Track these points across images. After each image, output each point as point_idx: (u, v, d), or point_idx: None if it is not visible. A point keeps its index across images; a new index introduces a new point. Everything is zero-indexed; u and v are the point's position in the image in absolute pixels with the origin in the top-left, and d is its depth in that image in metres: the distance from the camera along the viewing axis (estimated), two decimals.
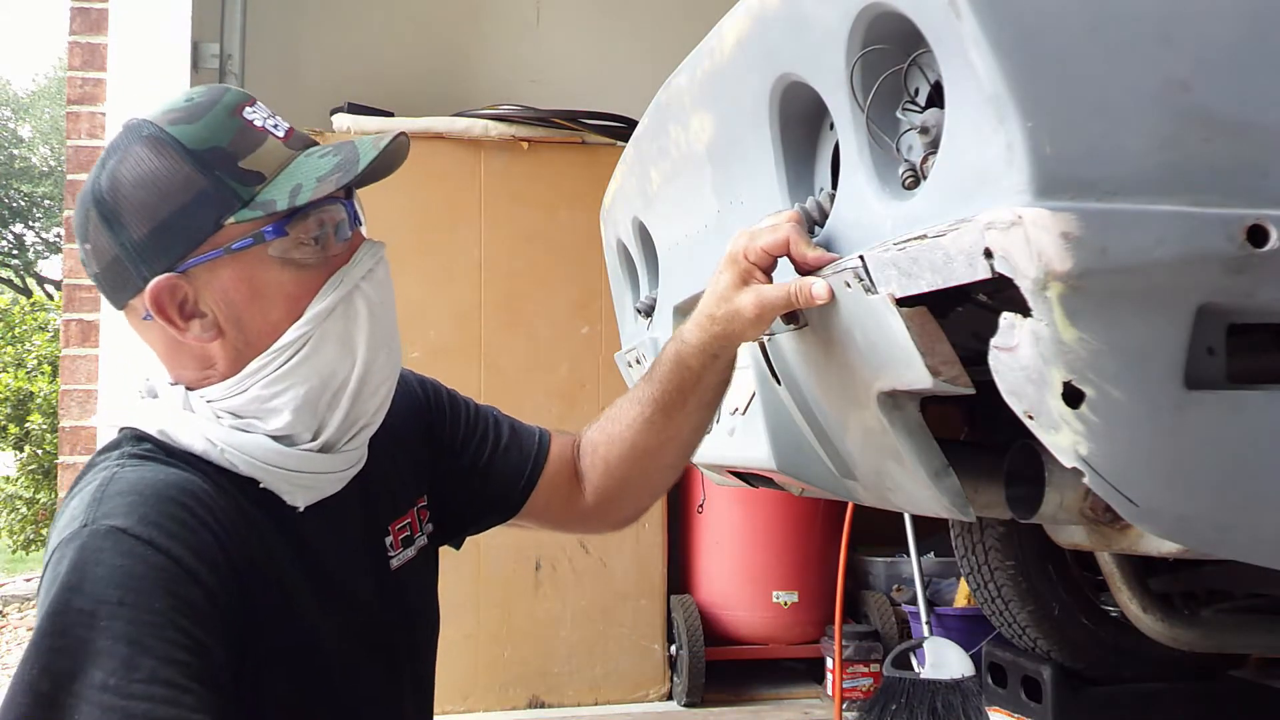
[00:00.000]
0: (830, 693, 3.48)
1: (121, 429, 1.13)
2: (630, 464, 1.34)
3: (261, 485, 1.09)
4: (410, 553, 1.27)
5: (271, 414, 1.08)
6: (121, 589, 0.93)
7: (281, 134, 1.10)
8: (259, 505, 1.08)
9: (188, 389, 1.10)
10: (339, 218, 1.10)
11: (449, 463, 1.35)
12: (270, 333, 1.07)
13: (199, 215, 1.04)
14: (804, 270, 1.11)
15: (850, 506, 3.09)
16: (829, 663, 3.48)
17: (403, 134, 1.15)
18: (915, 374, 1.03)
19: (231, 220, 1.04)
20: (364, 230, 1.15)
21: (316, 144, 1.13)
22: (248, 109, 1.09)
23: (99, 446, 1.13)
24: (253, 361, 1.07)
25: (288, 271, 1.07)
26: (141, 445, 1.08)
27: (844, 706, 3.45)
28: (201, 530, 1.00)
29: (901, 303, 0.99)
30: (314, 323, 1.08)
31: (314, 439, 1.11)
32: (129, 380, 3.31)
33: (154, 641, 0.92)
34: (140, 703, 0.89)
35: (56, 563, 0.95)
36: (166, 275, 1.05)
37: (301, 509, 1.12)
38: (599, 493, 1.38)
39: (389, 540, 1.24)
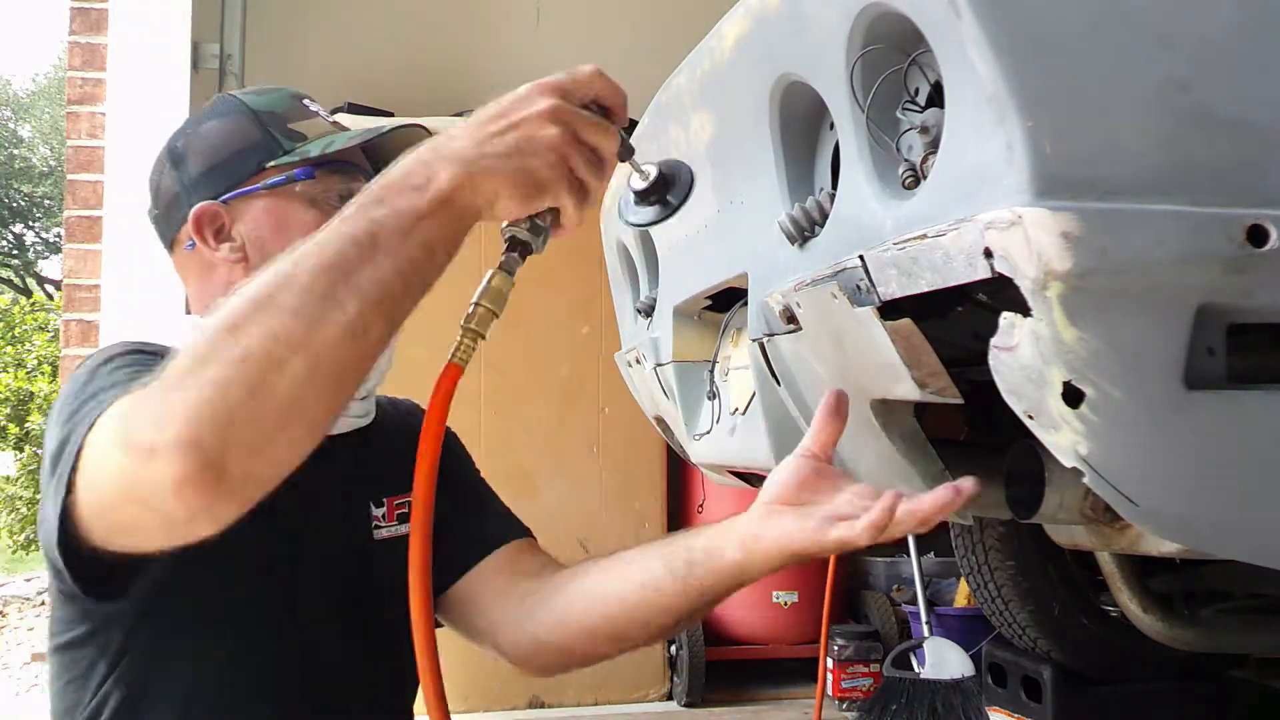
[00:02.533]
0: (831, 693, 3.48)
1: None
2: (596, 639, 1.22)
3: None
4: (404, 529, 1.29)
5: None
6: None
7: (329, 120, 1.30)
8: None
9: None
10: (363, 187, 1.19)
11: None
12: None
13: (247, 158, 1.22)
14: None
15: None
16: (829, 663, 3.49)
17: (422, 126, 1.27)
18: (903, 385, 1.03)
19: (272, 164, 1.22)
20: None
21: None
22: (308, 99, 1.30)
23: None
24: None
25: (311, 212, 1.21)
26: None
27: (843, 707, 3.45)
28: None
29: (886, 316, 0.99)
30: None
31: None
32: None
33: None
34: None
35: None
36: (209, 202, 1.21)
37: None
38: (542, 628, 1.25)
39: (381, 511, 1.28)
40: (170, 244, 1.26)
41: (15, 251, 19.30)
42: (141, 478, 0.81)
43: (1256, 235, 0.84)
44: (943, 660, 2.81)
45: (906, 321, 0.99)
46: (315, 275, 0.82)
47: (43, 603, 6.40)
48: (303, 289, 0.81)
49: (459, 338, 0.90)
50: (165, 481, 0.79)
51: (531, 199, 0.91)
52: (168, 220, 1.25)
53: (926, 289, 0.94)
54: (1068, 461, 0.88)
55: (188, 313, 1.32)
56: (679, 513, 3.77)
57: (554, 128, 0.89)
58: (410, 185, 0.87)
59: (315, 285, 0.82)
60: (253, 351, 0.80)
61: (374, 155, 1.30)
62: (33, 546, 7.14)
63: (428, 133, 1.25)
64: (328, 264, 0.83)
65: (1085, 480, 0.88)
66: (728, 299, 1.64)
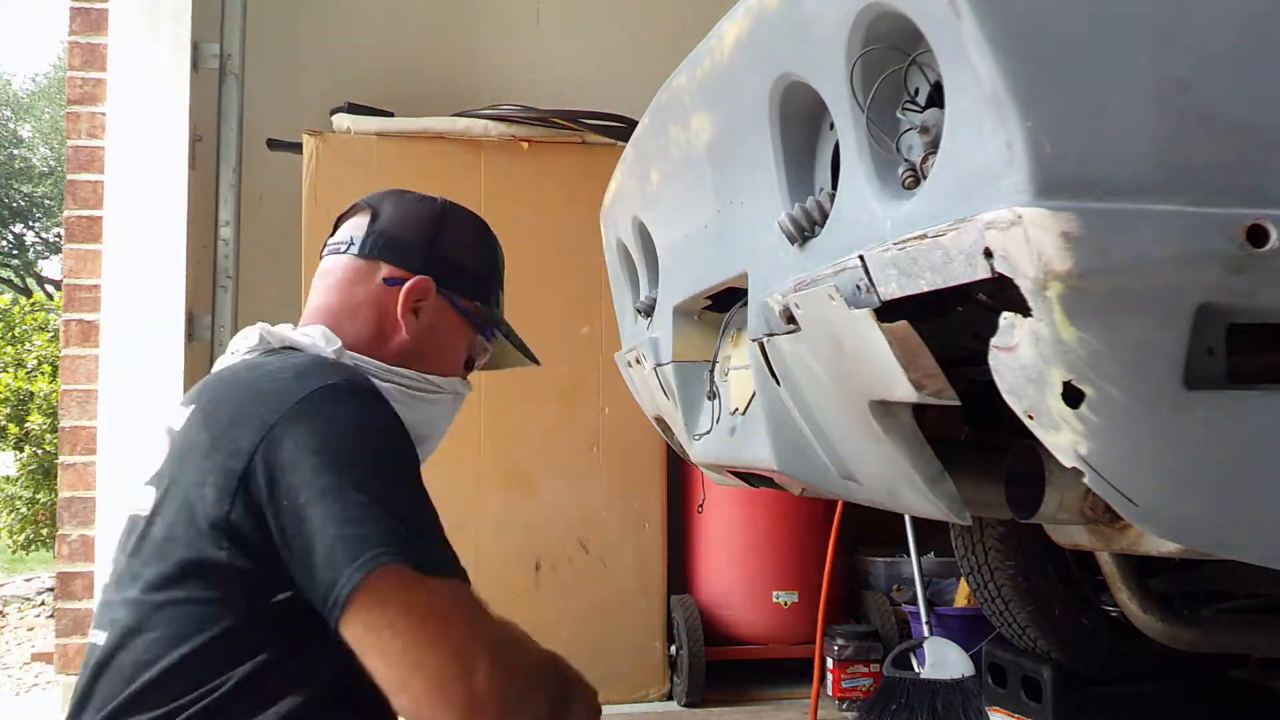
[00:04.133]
0: (831, 693, 3.48)
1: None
2: None
3: None
4: None
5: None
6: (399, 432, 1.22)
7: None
8: None
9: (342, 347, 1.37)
10: (482, 360, 1.55)
11: None
12: (432, 368, 1.44)
13: (475, 285, 1.49)
14: None
15: (839, 506, 3.09)
16: (829, 663, 3.49)
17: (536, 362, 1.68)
18: (900, 387, 1.03)
19: (483, 306, 1.49)
20: None
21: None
22: None
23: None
24: (406, 369, 1.40)
25: (462, 351, 1.49)
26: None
27: (843, 707, 3.45)
28: None
29: (884, 318, 0.99)
30: (451, 388, 1.47)
31: None
32: (128, 381, 3.31)
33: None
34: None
35: (332, 401, 1.17)
36: (432, 282, 1.42)
37: None
38: None
39: None
40: (365, 253, 1.43)
41: (15, 251, 19.31)
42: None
43: (1256, 235, 0.84)
44: (943, 660, 2.81)
45: (903, 324, 0.99)
46: None
47: (43, 603, 6.40)
48: None
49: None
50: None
51: None
52: (387, 249, 1.43)
53: (926, 289, 0.94)
54: (1068, 461, 0.88)
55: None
56: (679, 513, 3.78)
57: None
58: None
59: None
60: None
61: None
62: (33, 546, 7.12)
63: (536, 363, 1.65)
64: None
65: (1085, 480, 0.88)
66: (728, 299, 1.64)
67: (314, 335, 1.35)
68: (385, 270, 1.42)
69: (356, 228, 1.46)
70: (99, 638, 1.21)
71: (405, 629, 1.06)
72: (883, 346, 1.00)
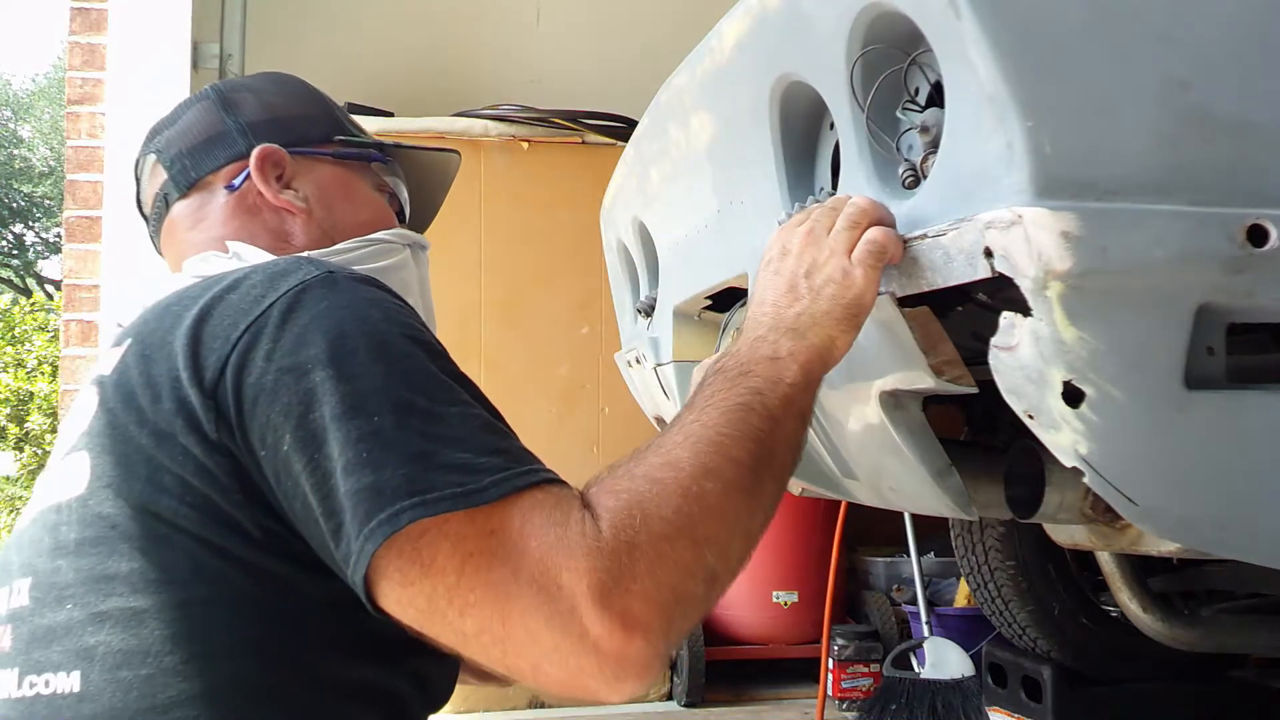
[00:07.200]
0: (831, 693, 3.48)
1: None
2: None
3: None
4: None
5: None
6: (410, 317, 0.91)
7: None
8: None
9: None
10: (405, 199, 1.26)
11: None
12: (359, 229, 1.15)
13: (315, 123, 1.19)
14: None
15: (843, 506, 3.09)
16: (830, 663, 3.49)
17: (457, 152, 1.34)
18: (918, 374, 1.03)
19: (341, 138, 1.19)
20: None
21: None
22: None
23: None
24: (346, 241, 1.11)
25: (376, 195, 1.20)
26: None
27: (843, 707, 3.45)
28: None
29: (903, 302, 0.99)
30: (403, 240, 1.16)
31: None
32: None
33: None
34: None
35: (314, 302, 0.85)
36: (276, 146, 1.14)
37: None
38: None
39: None
40: (193, 184, 1.14)
41: (15, 251, 19.31)
42: (602, 645, 0.75)
43: (1256, 235, 0.84)
44: (943, 660, 2.82)
45: (924, 309, 0.99)
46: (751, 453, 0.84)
47: None
48: (744, 468, 0.83)
49: None
50: (629, 665, 0.75)
51: (857, 320, 0.94)
52: (198, 158, 1.14)
53: (927, 289, 0.94)
54: (1068, 461, 0.88)
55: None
56: None
57: (825, 245, 0.95)
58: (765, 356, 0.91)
59: (750, 462, 0.83)
60: (718, 537, 0.81)
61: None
62: None
63: (453, 152, 1.34)
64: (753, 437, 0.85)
65: (1085, 480, 0.88)
66: (728, 299, 1.64)
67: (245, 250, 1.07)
68: (218, 180, 1.13)
69: (154, 179, 1.17)
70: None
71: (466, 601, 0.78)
72: (903, 332, 1.00)
